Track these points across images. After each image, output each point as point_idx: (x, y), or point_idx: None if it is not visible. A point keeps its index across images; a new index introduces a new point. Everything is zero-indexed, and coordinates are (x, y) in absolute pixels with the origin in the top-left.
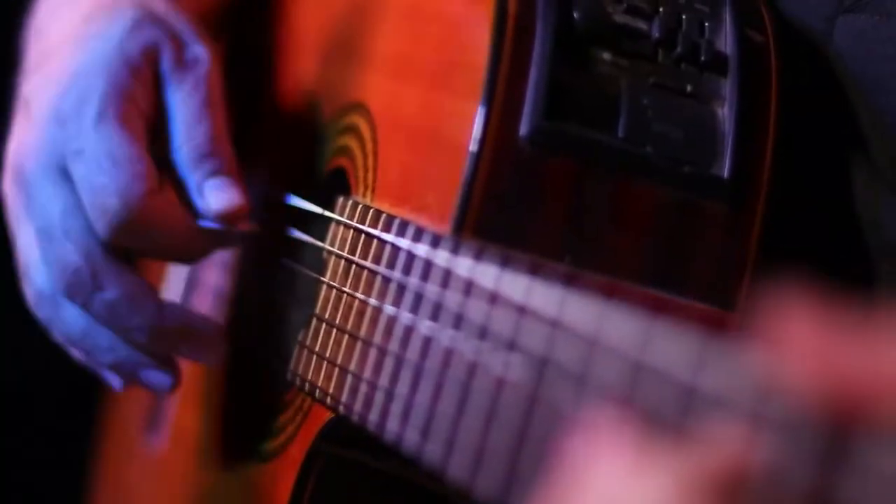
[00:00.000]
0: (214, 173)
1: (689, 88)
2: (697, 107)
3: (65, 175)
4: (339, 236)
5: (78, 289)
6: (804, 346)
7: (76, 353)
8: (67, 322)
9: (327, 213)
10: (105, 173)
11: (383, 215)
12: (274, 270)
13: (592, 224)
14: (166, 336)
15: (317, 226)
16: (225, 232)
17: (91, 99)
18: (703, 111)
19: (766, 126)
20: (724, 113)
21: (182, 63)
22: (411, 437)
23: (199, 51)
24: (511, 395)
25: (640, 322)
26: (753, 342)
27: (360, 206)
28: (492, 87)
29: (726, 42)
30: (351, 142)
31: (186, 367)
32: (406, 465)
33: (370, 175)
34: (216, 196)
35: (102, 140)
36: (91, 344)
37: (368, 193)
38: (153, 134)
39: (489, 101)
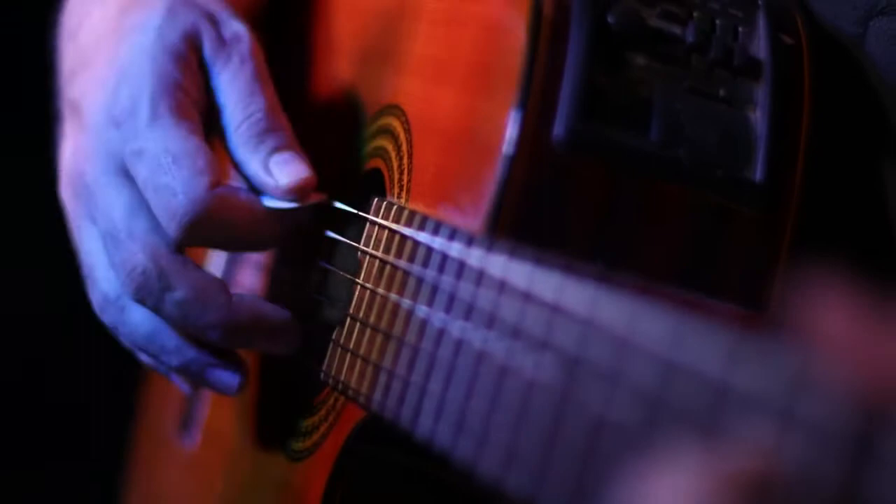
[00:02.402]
0: (279, 148)
1: (721, 93)
2: (730, 111)
3: (126, 176)
4: (374, 237)
5: (147, 291)
6: (838, 340)
7: (144, 358)
8: (134, 326)
9: (362, 214)
10: (167, 172)
11: (417, 216)
12: (309, 271)
13: (625, 226)
14: (240, 330)
15: (352, 226)
16: (296, 209)
17: (142, 97)
18: (736, 115)
19: (799, 130)
20: (757, 117)
21: (223, 42)
22: (443, 434)
23: (238, 27)
24: (543, 394)
25: (672, 320)
26: (787, 337)
27: (395, 206)
28: (527, 89)
29: (759, 47)
30: (386, 143)
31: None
32: (438, 464)
33: (405, 176)
34: (285, 171)
35: (160, 138)
36: (158, 347)
37: (403, 194)
38: (207, 121)
39: (524, 104)
